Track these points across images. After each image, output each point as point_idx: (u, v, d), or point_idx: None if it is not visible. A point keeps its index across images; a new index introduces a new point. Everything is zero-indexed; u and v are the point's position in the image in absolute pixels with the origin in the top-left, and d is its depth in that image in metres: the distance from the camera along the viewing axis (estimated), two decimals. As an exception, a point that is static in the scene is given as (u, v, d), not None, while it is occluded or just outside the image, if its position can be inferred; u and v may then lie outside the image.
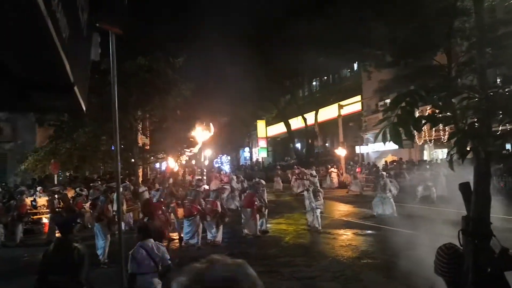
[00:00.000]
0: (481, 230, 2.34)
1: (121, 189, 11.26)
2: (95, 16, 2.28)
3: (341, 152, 26.69)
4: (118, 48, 4.05)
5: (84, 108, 2.09)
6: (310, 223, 12.12)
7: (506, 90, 2.21)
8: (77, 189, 14.14)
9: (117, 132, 4.18)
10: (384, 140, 2.03)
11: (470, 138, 2.11)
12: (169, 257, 5.03)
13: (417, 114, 2.08)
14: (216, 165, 43.25)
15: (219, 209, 10.68)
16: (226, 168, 39.25)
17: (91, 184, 15.21)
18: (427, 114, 2.18)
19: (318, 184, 13.12)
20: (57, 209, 12.39)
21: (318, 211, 12.09)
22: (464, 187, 2.42)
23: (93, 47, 2.71)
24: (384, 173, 15.71)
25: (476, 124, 2.13)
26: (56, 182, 16.35)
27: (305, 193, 12.83)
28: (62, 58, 1.40)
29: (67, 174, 21.34)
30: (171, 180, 16.58)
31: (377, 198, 14.08)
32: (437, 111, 2.16)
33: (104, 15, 2.54)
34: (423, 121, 2.11)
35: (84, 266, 4.41)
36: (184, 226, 10.65)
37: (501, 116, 2.13)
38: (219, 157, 49.37)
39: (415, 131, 2.03)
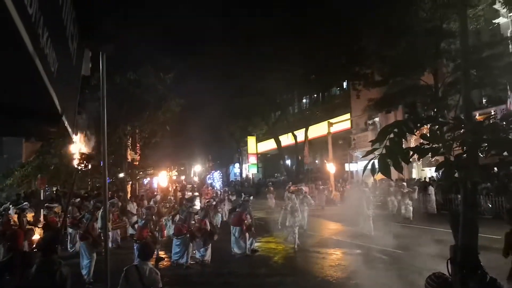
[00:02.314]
0: (469, 260, 2.35)
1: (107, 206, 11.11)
2: (85, 42, 2.28)
3: (331, 169, 26.73)
4: (108, 62, 4.05)
5: (72, 135, 2.07)
6: (290, 240, 12.28)
7: (491, 122, 2.25)
8: (46, 204, 13.66)
9: (105, 150, 4.13)
10: (373, 172, 2.04)
11: (457, 169, 2.13)
12: (161, 285, 4.92)
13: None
14: (209, 181, 43.06)
15: (208, 227, 10.57)
16: (217, 184, 39.06)
17: (72, 200, 14.73)
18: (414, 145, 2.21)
19: (296, 201, 13.00)
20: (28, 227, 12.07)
21: (297, 228, 12.16)
22: (452, 216, 2.44)
23: (84, 62, 2.71)
24: (367, 189, 15.66)
25: (463, 155, 2.16)
26: (42, 198, 16.06)
27: (282, 211, 12.93)
28: (49, 92, 1.40)
29: (54, 189, 21.01)
30: (158, 197, 16.31)
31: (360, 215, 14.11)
32: (425, 142, 2.19)
33: (95, 41, 2.55)
34: (411, 153, 2.13)
35: None
36: (174, 246, 10.49)
37: (486, 148, 2.16)
38: (211, 173, 49.20)
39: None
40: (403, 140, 2.08)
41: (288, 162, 38.43)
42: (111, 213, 11.79)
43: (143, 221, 10.45)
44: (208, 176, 48.19)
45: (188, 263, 10.24)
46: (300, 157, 32.65)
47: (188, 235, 10.28)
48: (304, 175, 32.43)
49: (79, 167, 4.55)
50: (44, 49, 1.28)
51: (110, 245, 12.42)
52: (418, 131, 2.42)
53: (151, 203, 14.67)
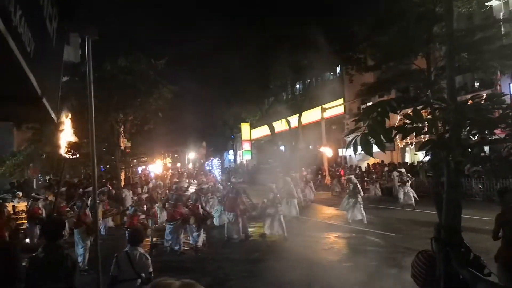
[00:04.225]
0: (452, 238, 2.39)
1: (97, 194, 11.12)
2: (67, 24, 2.25)
3: (326, 153, 26.77)
4: (99, 49, 4.03)
5: (55, 119, 2.06)
6: (271, 232, 11.77)
7: (475, 101, 2.26)
8: (33, 194, 13.37)
9: (93, 137, 4.13)
10: (355, 150, 2.06)
11: (439, 149, 2.15)
12: (151, 270, 4.97)
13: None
14: (207, 168, 43.09)
15: (201, 212, 10.61)
16: (216, 171, 39.00)
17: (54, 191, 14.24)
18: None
19: (276, 191, 12.42)
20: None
21: (281, 216, 11.71)
22: (436, 196, 2.48)
23: (73, 49, 2.68)
24: (352, 176, 14.87)
25: (446, 135, 2.18)
26: (35, 187, 16.01)
27: (261, 202, 12.50)
28: (26, 73, 1.38)
29: (47, 178, 20.95)
30: (151, 185, 16.22)
31: (347, 202, 13.50)
32: (408, 121, 2.20)
33: (76, 22, 2.51)
34: (394, 132, 2.14)
35: (76, 272, 4.33)
36: (166, 232, 10.53)
37: (469, 127, 2.17)
38: (210, 160, 49.16)
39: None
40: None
41: (282, 148, 38.50)
42: (101, 201, 11.70)
43: (133, 209, 10.46)
44: (207, 162, 48.15)
45: (182, 249, 10.30)
46: (294, 143, 32.71)
47: (180, 220, 10.29)
48: (298, 160, 32.50)
49: (67, 156, 4.52)
50: (18, 28, 1.26)
51: (103, 232, 12.49)
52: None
53: (145, 189, 14.65)
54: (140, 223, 10.07)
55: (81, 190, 12.02)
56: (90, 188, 11.90)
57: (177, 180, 24.78)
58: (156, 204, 13.03)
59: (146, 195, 12.38)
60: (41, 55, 1.61)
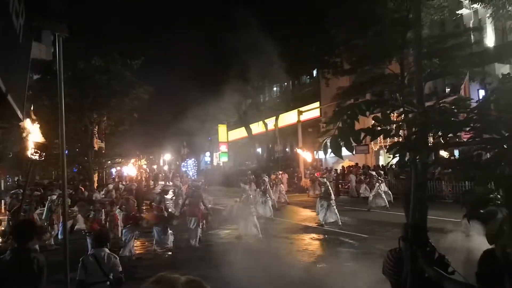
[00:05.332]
0: (419, 237, 2.45)
1: (54, 197, 10.84)
2: (35, 20, 2.19)
3: (305, 156, 26.92)
4: (73, 48, 3.95)
5: (21, 116, 2.00)
6: (245, 233, 11.56)
7: (441, 105, 2.34)
8: None
9: (63, 137, 4.04)
10: (325, 152, 2.10)
11: (407, 150, 2.22)
12: (120, 269, 4.89)
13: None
14: (183, 169, 42.80)
15: (165, 213, 10.45)
16: (191, 173, 38.90)
17: (11, 192, 13.72)
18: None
19: (249, 192, 12.28)
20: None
21: (254, 217, 11.61)
22: (403, 196, 2.54)
23: (45, 46, 2.61)
24: (325, 179, 14.81)
25: (413, 136, 2.24)
26: (3, 188, 15.46)
27: (235, 203, 12.26)
28: (-12, 68, 1.34)
29: (15, 179, 20.30)
30: (111, 187, 15.62)
31: (320, 205, 13.48)
32: (377, 124, 2.25)
33: (46, 19, 2.44)
34: (363, 134, 2.19)
35: (43, 277, 4.23)
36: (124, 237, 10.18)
37: (434, 130, 2.24)
38: (185, 161, 48.80)
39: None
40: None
41: (259, 150, 38.61)
42: (59, 205, 11.21)
43: (93, 213, 10.16)
44: (183, 164, 47.78)
45: (134, 253, 9.96)
46: (270, 145, 32.87)
47: (133, 224, 10.00)
48: (274, 163, 32.67)
49: (33, 157, 4.40)
50: (-20, 23, 1.23)
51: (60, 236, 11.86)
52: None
53: (103, 192, 14.30)
54: (101, 226, 9.73)
55: (28, 191, 11.57)
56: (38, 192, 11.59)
57: (154, 182, 24.44)
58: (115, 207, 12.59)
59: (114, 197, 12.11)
60: (7, 51, 1.56)
